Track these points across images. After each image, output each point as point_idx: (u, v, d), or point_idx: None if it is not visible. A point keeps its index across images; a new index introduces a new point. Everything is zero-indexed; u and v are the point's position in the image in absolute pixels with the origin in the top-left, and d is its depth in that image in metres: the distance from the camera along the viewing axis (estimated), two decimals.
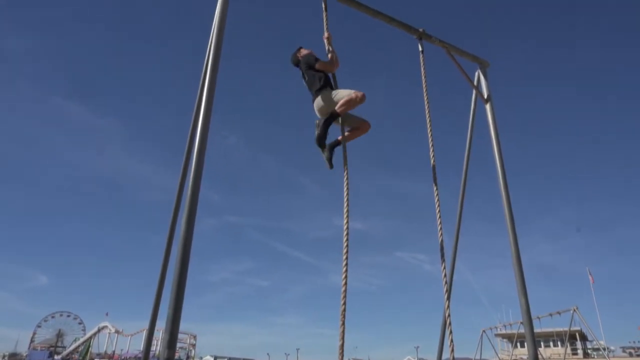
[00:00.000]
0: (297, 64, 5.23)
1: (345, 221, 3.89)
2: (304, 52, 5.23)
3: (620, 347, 40.81)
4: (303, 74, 5.06)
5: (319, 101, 4.85)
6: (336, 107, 4.68)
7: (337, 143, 4.77)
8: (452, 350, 3.79)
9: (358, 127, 4.92)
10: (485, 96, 5.96)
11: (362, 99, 4.63)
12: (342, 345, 3.45)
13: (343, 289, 3.63)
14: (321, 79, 4.92)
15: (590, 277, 41.91)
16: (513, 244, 5.03)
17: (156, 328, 4.94)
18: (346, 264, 3.71)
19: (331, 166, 4.69)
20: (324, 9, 5.06)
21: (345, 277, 3.66)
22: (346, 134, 4.81)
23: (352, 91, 4.69)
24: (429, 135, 4.87)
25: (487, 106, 5.90)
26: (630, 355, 37.09)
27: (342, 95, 4.72)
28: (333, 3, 5.11)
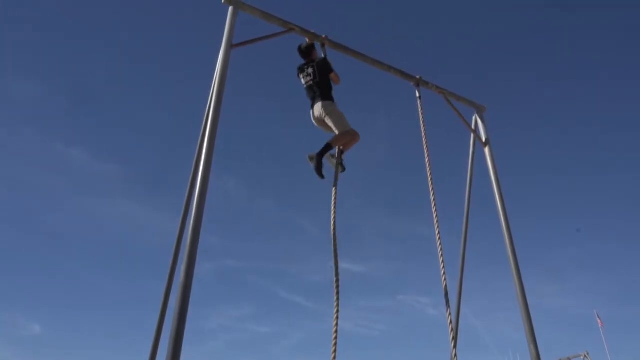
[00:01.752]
0: (308, 55, 5.18)
1: (332, 229, 3.83)
2: (316, 53, 5.25)
3: None
4: (315, 71, 4.99)
5: (323, 109, 4.86)
6: (335, 141, 4.75)
7: (324, 152, 4.73)
8: None
9: (349, 141, 4.94)
10: (484, 139, 6.03)
11: (358, 140, 4.89)
12: None
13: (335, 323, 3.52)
14: (331, 88, 5.03)
15: (599, 321, 40.63)
16: (519, 289, 4.92)
17: None
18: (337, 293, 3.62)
19: (322, 176, 4.66)
20: (324, 57, 5.24)
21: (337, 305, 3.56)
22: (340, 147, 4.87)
23: (352, 129, 4.83)
24: (429, 178, 4.90)
25: (486, 149, 5.95)
26: None
27: (344, 124, 4.82)
28: (332, 53, 5.29)
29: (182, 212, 4.82)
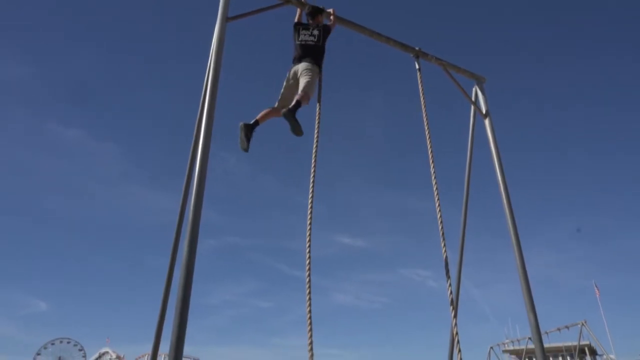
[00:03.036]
0: (315, 17, 5.11)
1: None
2: (322, 18, 5.18)
3: None
4: (320, 35, 4.97)
5: (307, 69, 4.78)
6: (303, 98, 4.58)
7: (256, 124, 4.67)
8: None
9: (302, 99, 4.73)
10: (484, 111, 5.99)
11: (306, 103, 4.67)
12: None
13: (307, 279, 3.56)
14: (324, 57, 5.01)
15: (596, 290, 41.44)
16: (519, 260, 4.98)
17: (158, 353, 4.86)
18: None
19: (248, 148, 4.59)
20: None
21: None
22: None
23: (310, 91, 4.71)
24: (429, 151, 4.89)
25: (486, 121, 5.92)
26: None
27: (312, 89, 4.72)
28: None
29: (183, 189, 4.83)
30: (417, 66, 5.47)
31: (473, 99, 6.13)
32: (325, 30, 5.05)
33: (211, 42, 4.34)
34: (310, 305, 3.50)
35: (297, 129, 4.41)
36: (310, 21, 5.12)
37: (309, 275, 3.61)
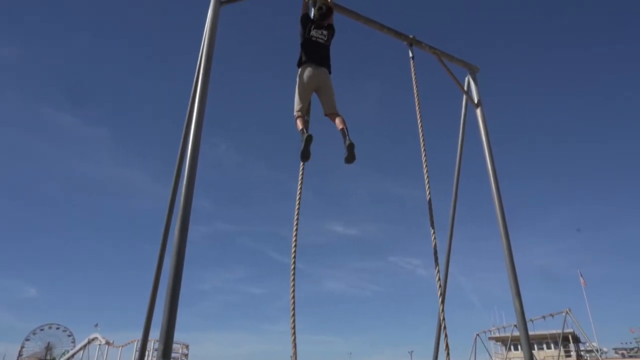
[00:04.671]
0: (327, 17, 5.04)
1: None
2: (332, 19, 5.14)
3: (613, 349, 41.13)
4: (329, 36, 4.96)
5: (328, 79, 4.85)
6: (344, 122, 4.66)
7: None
8: (448, 355, 3.79)
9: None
10: (476, 101, 6.01)
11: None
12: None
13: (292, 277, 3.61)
14: None
15: (581, 280, 42.31)
16: (506, 248, 5.06)
17: (148, 339, 4.87)
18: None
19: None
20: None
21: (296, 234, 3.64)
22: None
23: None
24: (421, 139, 4.91)
25: (478, 111, 5.95)
26: (623, 356, 37.33)
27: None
28: None
29: (174, 175, 4.81)
30: (410, 54, 5.46)
31: (465, 88, 6.15)
32: (334, 32, 5.02)
33: (204, 27, 4.29)
34: (294, 290, 3.53)
35: (353, 157, 4.47)
36: (317, 17, 4.99)
37: (294, 258, 3.63)
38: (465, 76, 6.26)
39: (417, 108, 5.07)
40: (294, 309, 3.48)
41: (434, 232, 4.34)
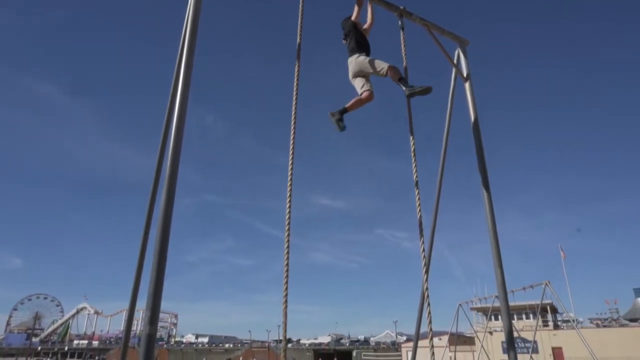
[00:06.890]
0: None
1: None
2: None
3: (588, 319, 42.81)
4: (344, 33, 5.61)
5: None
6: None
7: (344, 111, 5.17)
8: (430, 323, 3.90)
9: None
10: (465, 74, 5.98)
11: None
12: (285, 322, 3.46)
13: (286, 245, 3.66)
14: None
15: (562, 253, 43.51)
16: (490, 219, 5.15)
17: (136, 309, 4.92)
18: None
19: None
20: None
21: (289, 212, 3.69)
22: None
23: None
24: (408, 114, 4.88)
25: (467, 84, 5.93)
26: (597, 326, 38.84)
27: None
28: None
29: (160, 146, 4.75)
30: (400, 25, 5.37)
31: (455, 61, 6.10)
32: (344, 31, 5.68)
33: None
34: (288, 263, 3.57)
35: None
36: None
37: (288, 234, 3.66)
38: (455, 49, 6.20)
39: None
40: (287, 279, 3.53)
41: (419, 205, 4.38)
